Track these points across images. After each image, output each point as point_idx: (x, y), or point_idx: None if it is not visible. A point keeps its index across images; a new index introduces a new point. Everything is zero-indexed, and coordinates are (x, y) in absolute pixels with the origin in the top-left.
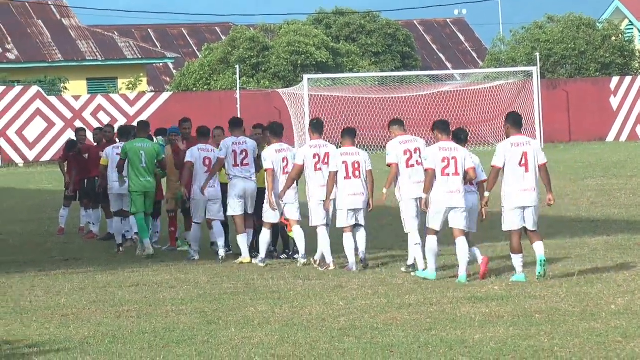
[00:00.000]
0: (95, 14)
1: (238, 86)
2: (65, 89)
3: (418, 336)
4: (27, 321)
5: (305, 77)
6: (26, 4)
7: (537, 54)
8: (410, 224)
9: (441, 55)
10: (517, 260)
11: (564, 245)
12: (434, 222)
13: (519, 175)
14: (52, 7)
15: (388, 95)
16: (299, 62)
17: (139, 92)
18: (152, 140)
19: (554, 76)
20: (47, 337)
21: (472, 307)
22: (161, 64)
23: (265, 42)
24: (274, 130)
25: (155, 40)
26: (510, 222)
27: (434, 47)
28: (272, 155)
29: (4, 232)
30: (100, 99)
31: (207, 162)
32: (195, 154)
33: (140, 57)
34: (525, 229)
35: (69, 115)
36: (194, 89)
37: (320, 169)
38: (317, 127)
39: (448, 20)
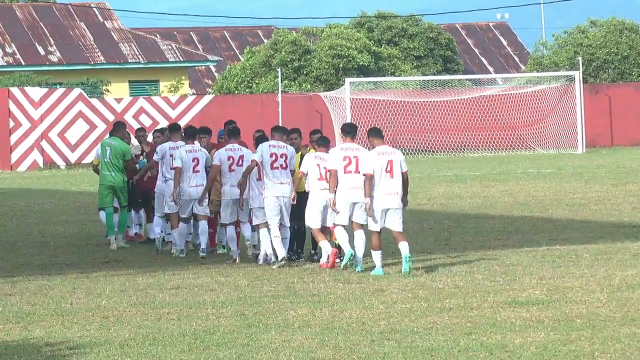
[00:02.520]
0: (138, 17)
1: (279, 89)
2: (107, 91)
3: (458, 340)
4: (68, 323)
5: (347, 80)
6: (69, 6)
7: (580, 58)
8: (272, 220)
9: (483, 59)
10: (377, 256)
11: (606, 250)
12: (342, 218)
13: (385, 180)
14: (94, 9)
15: (430, 99)
16: (341, 65)
17: (180, 95)
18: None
19: (596, 81)
20: (87, 339)
21: (513, 312)
22: (203, 67)
23: (307, 45)
24: (187, 133)
25: (197, 43)
26: (375, 222)
27: (476, 51)
28: (182, 154)
29: (46, 234)
30: (142, 102)
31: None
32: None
33: (182, 59)
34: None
35: (110, 117)
36: (236, 92)
37: (233, 170)
38: (233, 133)
39: (490, 24)
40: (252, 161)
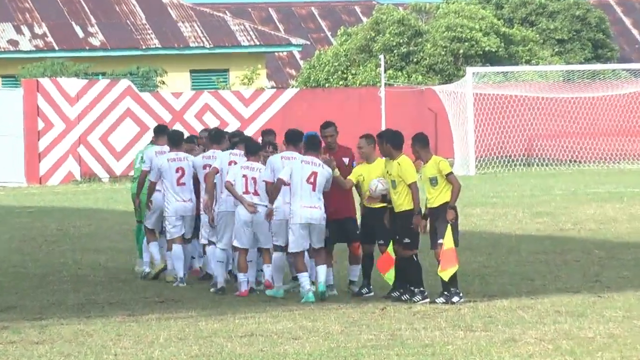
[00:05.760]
0: None
1: (382, 82)
2: (163, 83)
3: None
4: None
5: (469, 70)
6: None
7: None
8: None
9: None
10: (305, 278)
11: None
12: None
13: (306, 192)
14: None
15: (576, 95)
16: (461, 51)
17: (256, 89)
18: None
19: None
20: None
21: None
22: (285, 53)
23: (417, 26)
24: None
25: (277, 22)
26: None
27: (635, 33)
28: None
29: (84, 265)
30: (207, 97)
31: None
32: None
33: (258, 43)
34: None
35: (167, 117)
36: (327, 85)
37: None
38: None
39: None
40: (212, 168)
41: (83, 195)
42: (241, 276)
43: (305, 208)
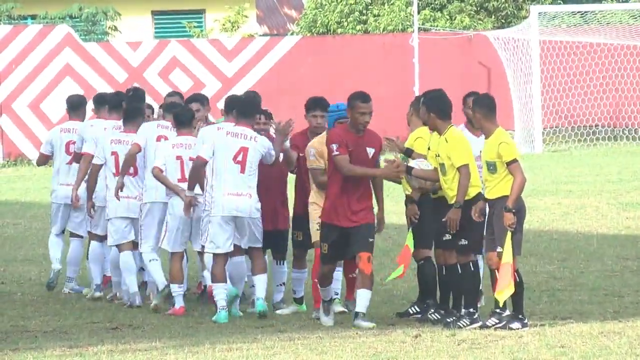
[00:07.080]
0: None
1: (415, 26)
2: (115, 29)
3: None
4: None
5: (535, 9)
6: None
7: None
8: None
9: None
10: (220, 290)
11: None
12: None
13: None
14: None
15: None
16: None
17: (242, 37)
18: None
19: None
20: None
21: None
22: None
23: None
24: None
25: None
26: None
27: None
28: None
29: (8, 280)
30: (175, 48)
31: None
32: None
33: None
34: None
35: (121, 75)
36: (340, 31)
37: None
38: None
39: None
40: (134, 145)
41: (7, 184)
42: (175, 288)
43: (230, 196)
